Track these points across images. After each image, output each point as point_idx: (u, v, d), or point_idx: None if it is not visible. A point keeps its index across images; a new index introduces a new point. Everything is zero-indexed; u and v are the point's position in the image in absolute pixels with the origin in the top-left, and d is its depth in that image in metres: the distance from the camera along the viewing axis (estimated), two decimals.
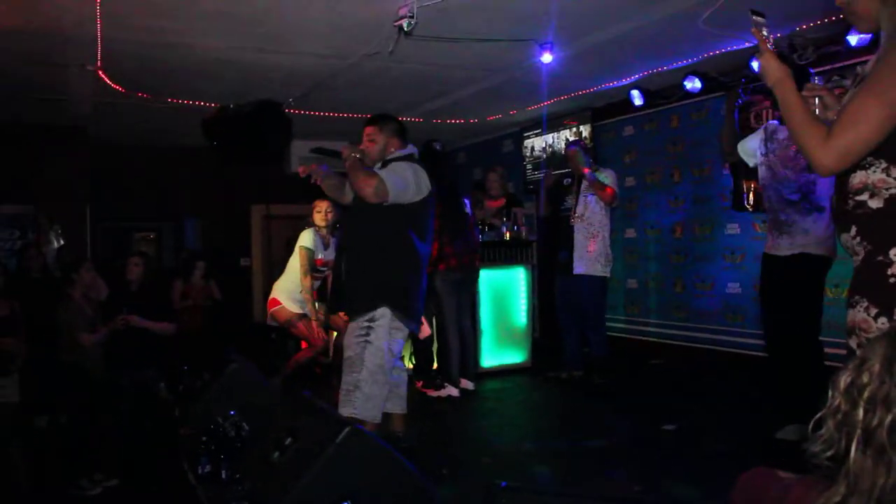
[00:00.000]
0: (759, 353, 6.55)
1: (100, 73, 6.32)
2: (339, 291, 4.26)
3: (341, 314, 6.25)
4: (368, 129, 4.20)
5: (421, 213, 4.07)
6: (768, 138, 4.70)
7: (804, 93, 2.30)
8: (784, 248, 4.53)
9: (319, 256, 6.10)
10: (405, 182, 3.92)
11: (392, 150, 4.16)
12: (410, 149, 4.24)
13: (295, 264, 6.09)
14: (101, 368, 5.70)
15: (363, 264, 4.00)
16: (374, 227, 3.98)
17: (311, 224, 6.19)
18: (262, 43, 5.84)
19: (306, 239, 6.07)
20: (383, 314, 3.90)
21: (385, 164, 4.10)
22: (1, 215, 8.63)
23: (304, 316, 6.07)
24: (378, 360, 3.88)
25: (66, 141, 8.87)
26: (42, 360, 5.70)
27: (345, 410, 3.89)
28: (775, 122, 4.80)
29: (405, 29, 4.85)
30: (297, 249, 6.09)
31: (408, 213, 4.00)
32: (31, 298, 5.78)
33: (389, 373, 4.00)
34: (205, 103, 7.56)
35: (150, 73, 6.57)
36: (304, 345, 6.47)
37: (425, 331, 6.20)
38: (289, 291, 6.09)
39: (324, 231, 6.16)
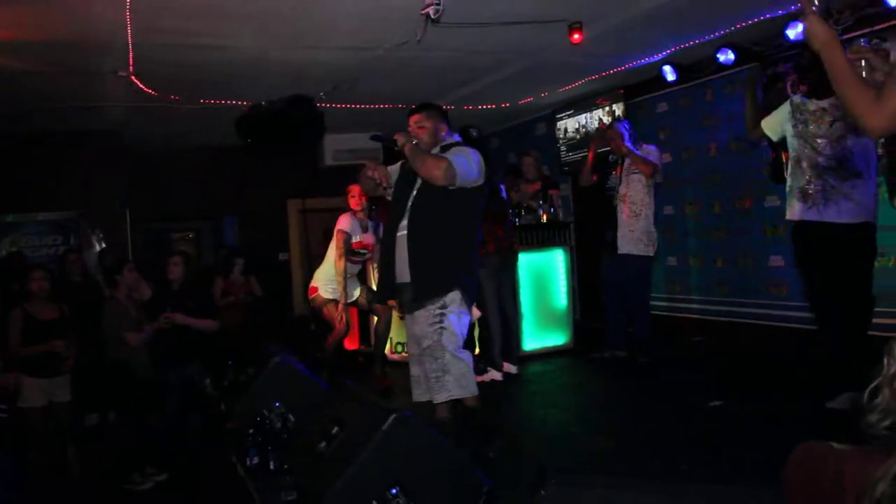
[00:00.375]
0: (804, 326, 6.45)
1: (132, 78, 6.39)
2: (386, 281, 4.28)
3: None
4: (415, 117, 4.27)
5: (480, 197, 4.18)
6: (795, 110, 4.74)
7: (850, 55, 2.25)
8: (831, 215, 4.49)
9: (357, 239, 6.16)
10: (470, 165, 3.99)
11: (442, 134, 4.23)
12: (457, 136, 4.31)
13: (333, 250, 6.16)
14: (147, 367, 5.79)
15: (432, 250, 4.02)
16: (441, 213, 4.01)
17: (347, 209, 6.25)
18: (291, 40, 5.87)
19: (343, 222, 6.18)
20: (453, 298, 3.98)
21: (444, 149, 4.16)
22: (44, 222, 8.80)
23: (333, 301, 6.18)
24: (456, 342, 3.99)
25: (102, 146, 9.00)
26: (89, 360, 5.83)
27: (440, 396, 4.01)
28: (798, 95, 4.87)
29: (432, 17, 4.83)
30: (334, 234, 6.16)
31: (470, 197, 4.07)
32: (72, 302, 5.89)
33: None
34: (238, 102, 7.61)
35: (182, 75, 6.62)
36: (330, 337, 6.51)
37: (475, 313, 6.23)
38: (326, 278, 6.20)
39: (361, 214, 6.22)
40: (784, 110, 4.87)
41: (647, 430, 4.63)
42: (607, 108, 8.69)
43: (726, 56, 6.68)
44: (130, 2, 4.71)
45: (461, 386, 3.97)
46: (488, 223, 6.15)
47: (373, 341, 6.76)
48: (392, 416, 2.36)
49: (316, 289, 6.28)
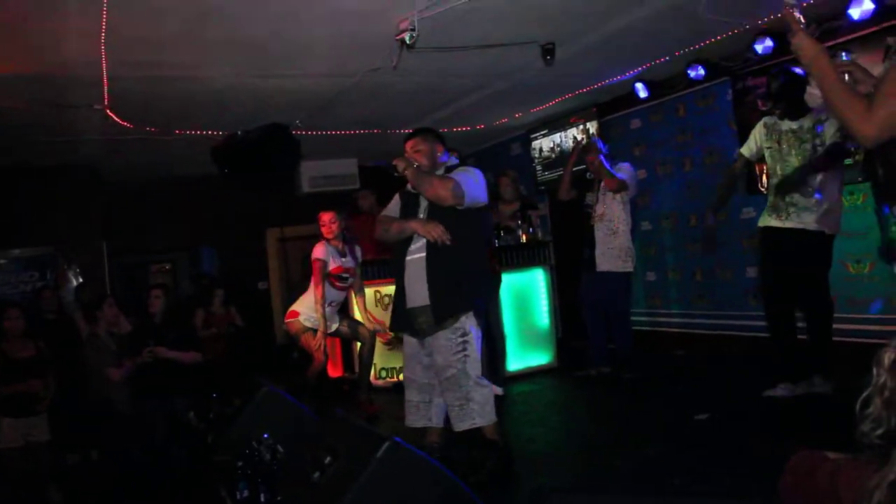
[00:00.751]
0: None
1: (108, 111, 6.37)
2: (398, 308, 4.27)
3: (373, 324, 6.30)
4: (411, 143, 4.26)
5: (485, 218, 4.28)
6: (769, 130, 5.22)
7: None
8: (792, 224, 5.03)
9: (337, 265, 6.13)
10: (475, 185, 4.03)
11: (439, 155, 4.25)
12: (454, 158, 4.39)
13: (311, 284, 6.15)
14: (129, 401, 5.74)
15: (449, 271, 4.01)
16: (453, 234, 4.00)
17: (320, 238, 6.25)
18: (265, 68, 5.88)
19: (318, 251, 6.15)
20: (470, 322, 4.02)
21: (447, 171, 4.19)
22: (20, 258, 8.70)
23: (312, 330, 6.12)
24: (477, 369, 4.02)
25: (78, 180, 8.91)
26: (68, 398, 5.75)
27: (463, 424, 4.02)
28: (773, 117, 5.24)
29: (407, 42, 4.87)
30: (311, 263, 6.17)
31: (477, 218, 4.12)
32: (47, 339, 5.82)
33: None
34: (213, 132, 7.61)
35: (157, 107, 6.61)
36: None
37: None
38: (309, 306, 6.14)
39: (334, 241, 6.20)
40: (759, 131, 5.30)
41: (636, 445, 4.64)
42: (581, 127, 8.78)
43: (697, 72, 6.81)
44: (104, 36, 4.70)
45: (483, 414, 4.01)
46: None
47: (357, 368, 6.71)
48: (386, 444, 2.35)
49: (297, 314, 6.20)
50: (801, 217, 5.00)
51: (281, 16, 4.82)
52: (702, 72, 6.78)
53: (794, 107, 5.12)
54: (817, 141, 4.99)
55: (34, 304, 7.07)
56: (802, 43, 2.27)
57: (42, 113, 6.43)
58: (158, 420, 5.70)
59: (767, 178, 5.36)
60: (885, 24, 5.39)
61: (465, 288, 4.03)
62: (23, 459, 5.31)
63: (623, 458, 4.42)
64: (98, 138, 7.51)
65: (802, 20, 2.34)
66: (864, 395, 1.37)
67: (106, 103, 6.17)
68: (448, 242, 3.98)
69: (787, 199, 5.05)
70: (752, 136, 5.39)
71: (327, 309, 6.15)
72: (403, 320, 4.21)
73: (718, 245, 7.25)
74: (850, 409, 1.46)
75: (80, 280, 8.65)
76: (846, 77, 2.39)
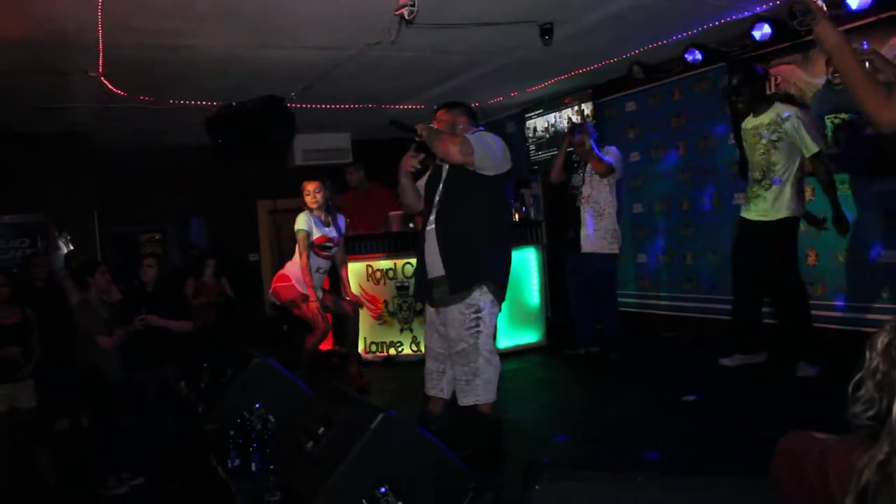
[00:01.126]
0: (772, 321, 6.60)
1: (102, 79, 6.32)
2: (419, 279, 4.36)
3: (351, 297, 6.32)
4: (437, 113, 4.36)
5: (505, 186, 4.23)
6: (743, 131, 5.57)
7: None
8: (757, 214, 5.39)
9: (320, 234, 6.13)
10: (489, 145, 4.00)
11: (460, 127, 4.25)
12: (482, 128, 4.39)
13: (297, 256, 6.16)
14: (119, 370, 5.76)
15: (462, 241, 4.04)
16: (469, 203, 4.03)
17: (304, 208, 6.25)
18: (263, 39, 5.84)
19: (300, 221, 6.16)
20: (485, 295, 4.00)
21: None
22: (10, 225, 8.67)
23: (306, 297, 6.10)
24: (489, 345, 4.05)
25: (69, 147, 8.86)
26: (59, 364, 5.76)
27: (467, 399, 4.06)
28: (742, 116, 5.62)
29: (406, 18, 4.85)
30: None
31: (495, 186, 4.09)
32: (35, 306, 5.82)
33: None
34: (207, 102, 7.57)
35: (152, 75, 6.56)
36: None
37: None
38: (297, 273, 6.14)
39: (317, 211, 6.20)
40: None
41: (626, 424, 4.70)
42: (576, 108, 8.78)
43: (693, 56, 6.79)
44: (102, 1, 4.67)
45: (487, 391, 4.04)
46: None
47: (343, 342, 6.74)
48: (381, 415, 2.38)
49: (289, 279, 6.16)
50: (758, 206, 5.37)
51: None
52: (698, 56, 6.77)
53: (755, 101, 5.42)
54: (773, 136, 5.24)
55: (24, 271, 7.06)
56: (826, 32, 2.32)
57: (36, 79, 6.38)
58: (149, 389, 5.73)
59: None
60: (883, 15, 5.40)
61: (482, 259, 4.03)
62: (9, 425, 5.33)
63: (613, 436, 4.48)
64: (92, 106, 7.46)
65: (825, 8, 2.38)
66: (857, 377, 1.41)
67: (101, 70, 6.12)
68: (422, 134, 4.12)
69: (750, 191, 5.46)
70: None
71: (315, 276, 6.15)
72: (423, 290, 4.32)
73: (711, 230, 7.33)
74: (837, 392, 1.49)
75: (71, 248, 8.62)
76: (866, 65, 2.42)
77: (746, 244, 5.54)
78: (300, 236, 6.09)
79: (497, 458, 4.12)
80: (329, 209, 6.31)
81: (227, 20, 5.34)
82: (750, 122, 5.45)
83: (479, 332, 3.99)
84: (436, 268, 4.13)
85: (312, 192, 6.20)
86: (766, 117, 5.32)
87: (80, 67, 6.07)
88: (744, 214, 5.54)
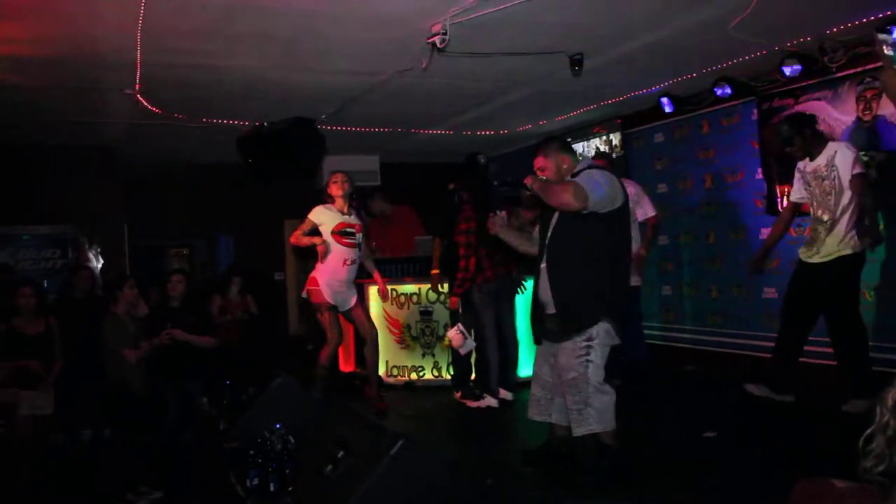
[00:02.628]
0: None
1: (138, 96, 6.45)
2: (534, 316, 4.39)
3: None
4: (536, 161, 4.29)
5: (621, 221, 4.11)
6: (802, 174, 5.49)
7: None
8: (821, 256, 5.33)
9: (340, 220, 6.11)
10: (601, 186, 3.93)
11: (565, 166, 4.20)
12: (585, 161, 4.32)
13: (333, 254, 6.12)
14: (143, 383, 5.83)
15: (573, 281, 4.06)
16: (579, 242, 4.02)
17: (327, 199, 6.24)
18: (296, 62, 5.93)
19: (313, 213, 6.18)
20: (599, 331, 3.99)
21: (574, 177, 4.14)
22: (41, 235, 8.81)
23: (333, 308, 6.09)
24: (600, 376, 4.00)
25: (102, 161, 9.02)
26: (87, 376, 5.86)
27: (580, 430, 4.02)
28: (804, 162, 5.49)
29: (438, 46, 4.92)
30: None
31: (608, 222, 4.03)
32: (75, 317, 5.93)
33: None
34: (239, 122, 7.69)
35: (187, 94, 6.68)
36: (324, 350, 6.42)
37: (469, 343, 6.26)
38: (327, 277, 6.10)
39: (339, 201, 6.20)
40: (796, 176, 5.60)
41: (643, 458, 4.65)
42: (604, 137, 8.80)
43: (723, 90, 6.81)
44: (141, 22, 4.78)
45: (602, 420, 3.98)
46: (487, 250, 6.18)
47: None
48: (400, 442, 2.40)
49: (317, 283, 6.09)
50: (823, 245, 5.29)
51: (313, 12, 4.88)
52: (728, 90, 6.79)
53: (809, 146, 5.38)
54: (833, 174, 5.21)
55: (68, 281, 7.17)
56: (892, 81, 2.37)
57: (73, 94, 6.52)
58: (171, 403, 5.79)
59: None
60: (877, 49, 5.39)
61: (594, 298, 4.01)
62: (30, 429, 5.46)
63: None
64: (126, 122, 7.60)
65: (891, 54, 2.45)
66: (867, 432, 1.41)
67: (137, 88, 6.25)
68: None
69: (814, 233, 5.39)
70: (795, 181, 5.64)
71: (346, 270, 6.14)
72: (537, 322, 4.35)
73: (738, 265, 7.29)
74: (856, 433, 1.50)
75: (101, 260, 8.76)
76: None
77: (806, 283, 5.45)
78: (307, 220, 6.14)
79: (621, 485, 4.05)
80: (351, 203, 6.29)
81: (262, 42, 5.44)
82: (809, 166, 5.42)
83: (589, 361, 3.97)
84: (549, 305, 4.17)
85: (341, 181, 6.19)
86: (822, 158, 5.30)
87: (118, 85, 6.20)
88: (808, 257, 5.45)
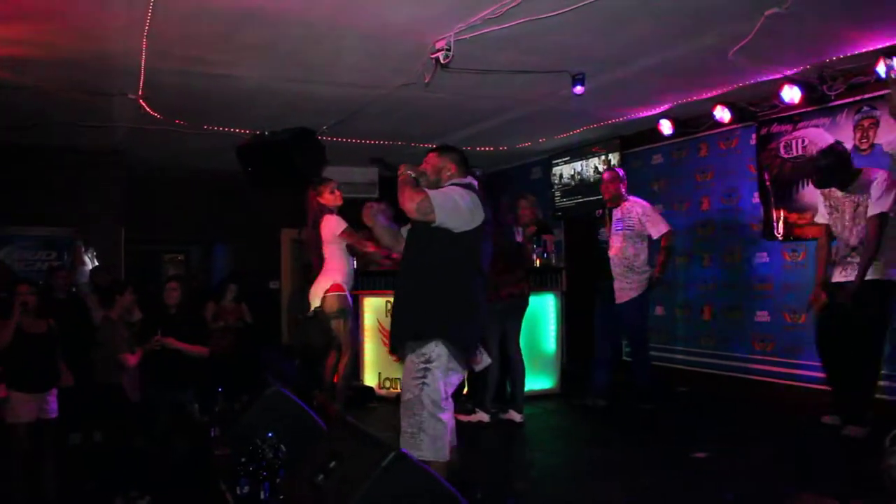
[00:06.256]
0: (787, 382, 6.62)
1: (141, 101, 6.48)
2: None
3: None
4: (429, 155, 4.18)
5: (475, 242, 3.93)
6: (827, 199, 5.52)
7: None
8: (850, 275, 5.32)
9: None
10: (454, 204, 3.79)
11: (448, 174, 4.07)
12: (469, 179, 4.12)
13: (338, 253, 6.04)
14: (137, 389, 5.82)
15: (412, 295, 3.91)
16: (426, 257, 3.88)
17: (328, 209, 6.10)
18: (299, 73, 5.98)
19: (339, 221, 6.01)
20: (440, 354, 3.76)
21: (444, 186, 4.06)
22: (37, 237, 8.82)
23: (344, 318, 5.99)
24: (437, 401, 3.75)
25: (101, 165, 9.06)
26: (76, 378, 5.84)
27: (412, 454, 3.85)
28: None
29: (442, 61, 4.95)
30: (338, 235, 5.98)
31: (461, 242, 3.85)
32: (58, 319, 5.90)
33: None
34: (239, 130, 7.73)
35: (189, 101, 6.73)
36: (329, 361, 6.37)
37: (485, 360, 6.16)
38: (349, 282, 6.04)
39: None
40: (819, 201, 5.62)
41: (633, 478, 4.68)
42: (603, 157, 8.85)
43: (722, 113, 6.88)
44: (147, 28, 4.82)
45: (434, 449, 3.71)
46: (497, 269, 6.13)
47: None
48: (392, 454, 2.42)
49: (343, 288, 5.92)
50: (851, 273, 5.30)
51: (317, 25, 4.93)
52: (727, 114, 6.86)
53: (845, 179, 5.36)
54: (862, 199, 5.24)
55: (46, 283, 7.16)
56: None
57: (76, 98, 6.54)
58: (163, 409, 5.78)
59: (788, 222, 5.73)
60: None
61: (431, 316, 3.80)
62: (30, 435, 5.41)
63: (619, 488, 4.46)
64: (127, 126, 7.63)
65: None
66: (894, 433, 1.44)
67: (140, 93, 6.28)
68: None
69: (849, 258, 5.33)
70: (819, 205, 5.66)
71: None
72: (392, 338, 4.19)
73: (730, 286, 7.33)
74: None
75: (96, 263, 8.75)
76: None
77: (839, 308, 5.36)
78: (349, 230, 5.96)
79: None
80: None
81: (266, 53, 5.49)
82: (839, 192, 5.42)
83: (424, 384, 3.74)
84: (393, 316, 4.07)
85: (334, 186, 6.09)
86: (856, 187, 5.31)
87: (121, 89, 6.23)
88: (839, 280, 5.40)
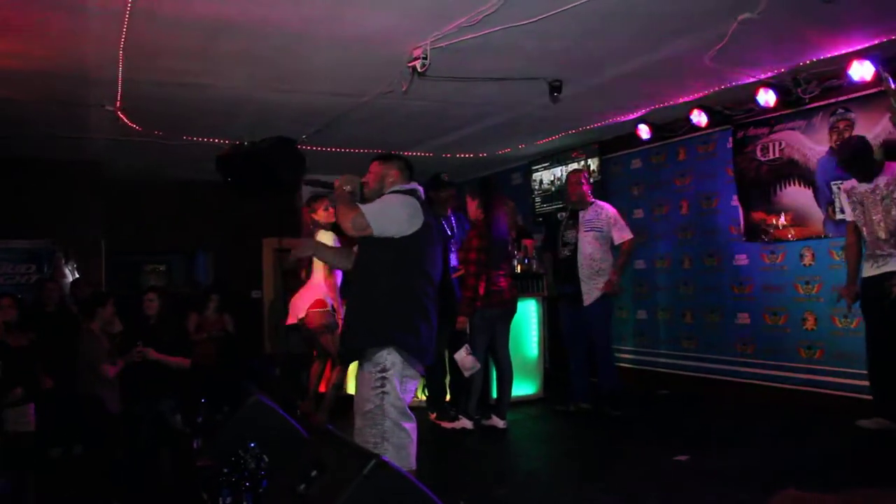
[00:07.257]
0: (767, 383, 6.67)
1: (118, 112, 6.46)
2: None
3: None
4: (372, 164, 4.12)
5: (419, 246, 3.86)
6: (850, 195, 5.55)
7: None
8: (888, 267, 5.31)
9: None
10: (392, 211, 3.77)
11: (391, 181, 4.00)
12: (413, 185, 4.05)
13: (321, 270, 6.04)
14: (118, 400, 5.78)
15: (359, 302, 3.89)
16: (370, 264, 3.85)
17: (319, 225, 6.11)
18: (278, 82, 5.99)
19: (329, 237, 5.93)
20: (393, 361, 3.72)
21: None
22: (17, 250, 8.75)
23: (330, 331, 5.98)
24: (400, 408, 3.73)
25: (80, 176, 9.01)
26: (58, 391, 5.80)
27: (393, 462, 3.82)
28: (849, 182, 5.59)
29: (419, 69, 4.97)
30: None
31: (406, 248, 3.80)
32: (46, 332, 5.87)
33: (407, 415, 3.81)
34: (219, 140, 7.71)
35: (167, 112, 6.72)
36: (314, 370, 6.38)
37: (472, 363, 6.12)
38: (333, 294, 6.04)
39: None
40: (842, 197, 5.69)
41: (616, 481, 4.70)
42: (582, 162, 8.90)
43: (699, 118, 6.94)
44: (124, 40, 4.81)
45: (400, 458, 3.66)
46: (488, 275, 6.12)
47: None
48: (372, 461, 2.42)
49: (325, 304, 5.97)
50: (888, 264, 5.30)
51: (295, 34, 4.94)
52: (704, 118, 6.92)
53: (868, 170, 5.40)
54: (886, 191, 5.29)
55: (35, 296, 7.12)
56: None
57: (53, 109, 6.53)
58: (144, 421, 5.75)
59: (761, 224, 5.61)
60: (883, 87, 5.52)
61: (376, 324, 3.76)
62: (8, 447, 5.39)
63: (602, 492, 4.48)
64: (105, 137, 7.60)
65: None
66: None
67: (118, 105, 6.27)
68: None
69: (878, 250, 5.35)
70: (841, 203, 5.78)
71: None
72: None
73: (712, 290, 7.38)
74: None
75: (76, 275, 8.70)
76: None
77: (877, 302, 5.37)
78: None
79: None
80: None
81: (243, 62, 5.49)
82: (862, 187, 5.45)
83: (385, 392, 3.70)
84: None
85: (328, 203, 6.04)
86: (881, 179, 5.35)
87: (98, 101, 6.21)
88: (871, 273, 5.39)
